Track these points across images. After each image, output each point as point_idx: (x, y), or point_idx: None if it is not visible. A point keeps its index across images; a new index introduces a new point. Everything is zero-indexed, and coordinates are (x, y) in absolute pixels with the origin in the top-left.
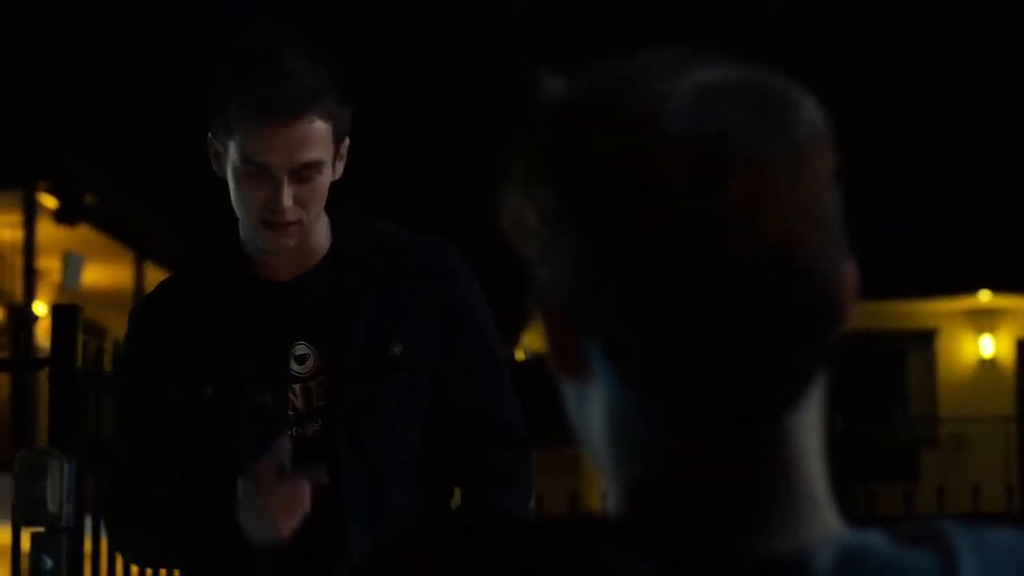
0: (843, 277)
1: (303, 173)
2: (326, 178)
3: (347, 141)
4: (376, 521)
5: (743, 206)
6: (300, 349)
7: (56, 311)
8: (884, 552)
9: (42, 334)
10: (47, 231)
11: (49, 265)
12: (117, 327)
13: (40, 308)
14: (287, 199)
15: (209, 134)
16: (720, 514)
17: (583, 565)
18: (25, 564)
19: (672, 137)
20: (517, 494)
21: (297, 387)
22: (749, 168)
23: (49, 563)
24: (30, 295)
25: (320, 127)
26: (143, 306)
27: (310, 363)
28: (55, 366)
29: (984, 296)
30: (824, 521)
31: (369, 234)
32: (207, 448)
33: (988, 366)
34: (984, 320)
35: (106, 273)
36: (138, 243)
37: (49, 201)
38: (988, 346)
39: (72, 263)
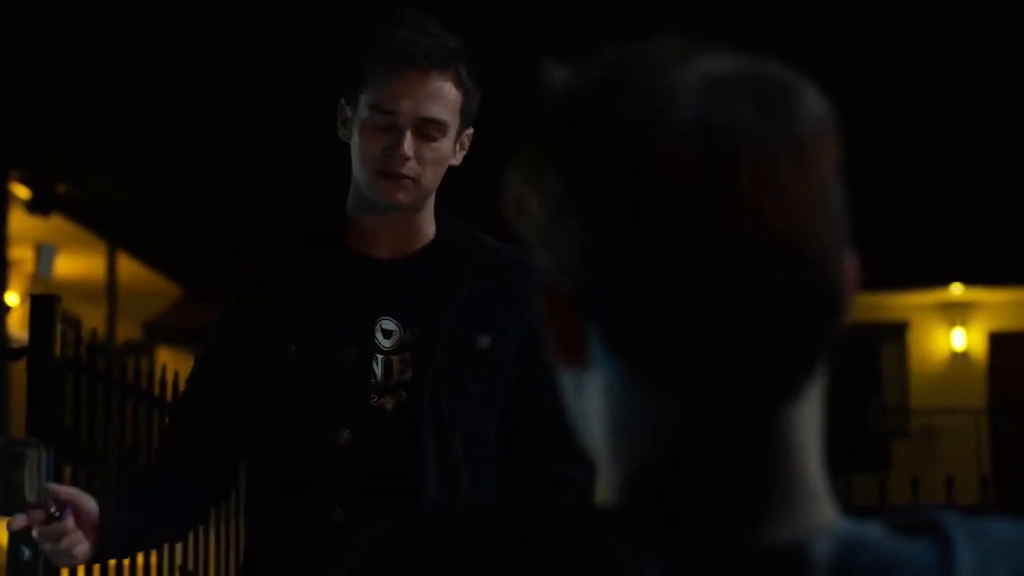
0: (845, 269)
1: (427, 130)
2: (446, 147)
3: (471, 131)
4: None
5: (749, 195)
6: (387, 324)
7: (34, 301)
8: (881, 543)
9: (14, 324)
10: (19, 221)
11: (21, 255)
12: (90, 317)
13: (12, 298)
14: (408, 147)
15: (341, 101)
16: (719, 504)
17: (581, 555)
18: (2, 556)
19: (677, 127)
20: None
21: (380, 358)
22: (755, 158)
23: (27, 554)
24: (2, 285)
25: (451, 91)
26: (238, 275)
27: (395, 339)
28: (33, 356)
29: (956, 289)
30: (822, 512)
31: (472, 234)
32: (287, 409)
33: (960, 359)
34: (956, 313)
35: (79, 263)
36: (111, 233)
37: (21, 191)
38: (960, 339)
39: (45, 253)
